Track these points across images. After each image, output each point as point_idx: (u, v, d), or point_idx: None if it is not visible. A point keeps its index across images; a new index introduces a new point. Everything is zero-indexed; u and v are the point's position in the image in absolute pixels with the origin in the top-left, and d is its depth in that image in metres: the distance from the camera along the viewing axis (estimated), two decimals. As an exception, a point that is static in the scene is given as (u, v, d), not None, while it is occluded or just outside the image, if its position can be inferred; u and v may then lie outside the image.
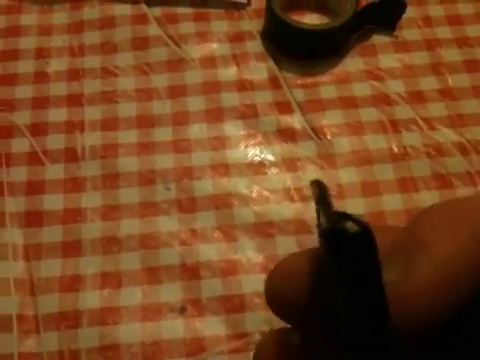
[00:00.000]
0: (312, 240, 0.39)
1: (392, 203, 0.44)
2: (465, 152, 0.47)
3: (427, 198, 0.45)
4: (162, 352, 0.39)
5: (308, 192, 0.44)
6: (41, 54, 0.52)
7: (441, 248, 0.16)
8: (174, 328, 0.40)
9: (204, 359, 0.39)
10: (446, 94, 0.50)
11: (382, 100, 0.49)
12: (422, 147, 0.47)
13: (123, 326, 0.40)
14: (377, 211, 0.44)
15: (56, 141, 0.47)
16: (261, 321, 0.40)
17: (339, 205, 0.44)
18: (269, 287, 0.20)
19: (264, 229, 0.43)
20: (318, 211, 0.18)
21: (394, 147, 0.47)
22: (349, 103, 0.49)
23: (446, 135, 0.48)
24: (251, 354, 0.36)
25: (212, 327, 0.40)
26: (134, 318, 0.40)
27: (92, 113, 0.48)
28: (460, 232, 0.17)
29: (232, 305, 0.41)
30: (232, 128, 0.48)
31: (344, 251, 0.16)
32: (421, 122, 0.48)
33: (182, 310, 0.41)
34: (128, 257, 0.42)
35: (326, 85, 0.50)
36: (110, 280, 0.42)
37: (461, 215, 0.17)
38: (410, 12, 0.53)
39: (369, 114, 0.49)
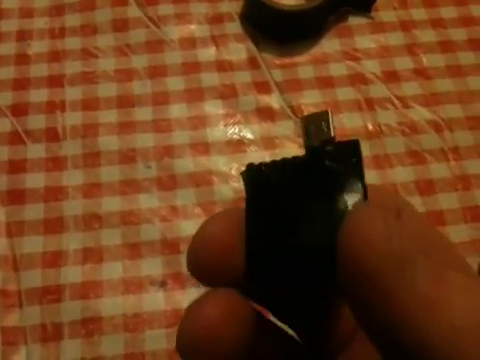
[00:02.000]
0: None
1: (367, 179, 0.44)
2: (439, 129, 0.48)
3: (401, 173, 0.46)
4: (143, 323, 0.40)
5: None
6: (22, 36, 0.52)
7: None
8: (155, 301, 0.41)
9: None
10: (420, 73, 0.50)
11: (358, 79, 0.50)
12: (397, 125, 0.48)
13: (105, 299, 0.41)
14: None
15: (37, 121, 0.47)
16: None
17: None
18: (193, 259, 0.19)
19: (243, 205, 0.43)
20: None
21: (369, 125, 0.48)
22: (326, 83, 0.50)
23: (420, 113, 0.49)
24: None
25: (192, 299, 0.41)
26: (116, 292, 0.41)
27: (73, 93, 0.49)
28: None
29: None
30: (211, 107, 0.49)
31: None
32: (396, 101, 0.49)
33: (163, 283, 0.42)
34: (109, 233, 0.43)
35: (304, 65, 0.51)
36: (92, 255, 0.42)
37: None
38: (386, -6, 0.53)
39: (345, 93, 0.49)
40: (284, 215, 0.19)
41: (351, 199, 0.18)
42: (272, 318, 0.21)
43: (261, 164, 0.20)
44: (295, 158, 0.20)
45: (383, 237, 0.15)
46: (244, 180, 0.20)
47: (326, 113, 0.20)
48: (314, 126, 0.20)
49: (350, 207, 0.18)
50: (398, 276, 0.15)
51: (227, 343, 0.18)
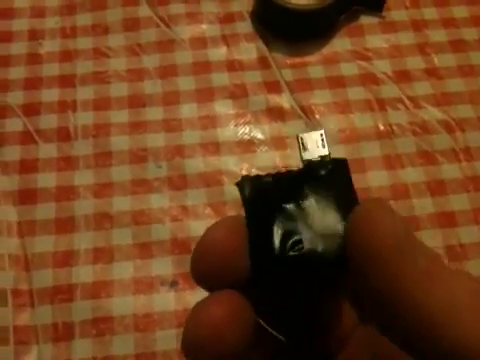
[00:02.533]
0: None
1: (378, 179, 0.45)
2: (450, 130, 0.48)
3: (412, 174, 0.46)
4: (154, 323, 0.40)
5: (296, 168, 0.45)
6: (34, 36, 0.52)
7: None
8: (166, 301, 0.41)
9: None
10: (432, 73, 0.50)
11: (369, 79, 0.50)
12: (408, 125, 0.48)
13: (116, 299, 0.41)
14: (363, 187, 0.45)
15: (49, 121, 0.47)
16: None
17: None
18: (196, 265, 0.20)
19: None
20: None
21: (380, 125, 0.48)
22: (337, 82, 0.50)
23: (431, 113, 0.48)
24: None
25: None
26: (126, 291, 0.41)
27: (84, 93, 0.49)
28: None
29: None
30: (222, 107, 0.49)
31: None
32: (407, 101, 0.49)
33: (173, 283, 0.42)
34: (120, 233, 0.43)
35: (314, 65, 0.51)
36: (103, 255, 0.43)
37: None
38: (397, -7, 0.53)
39: (356, 93, 0.49)
40: (284, 218, 0.21)
41: (348, 201, 0.21)
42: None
43: (257, 175, 0.22)
44: (289, 171, 0.22)
45: (389, 223, 0.18)
46: (240, 190, 0.22)
47: (321, 133, 0.23)
48: (310, 143, 0.23)
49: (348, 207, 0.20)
50: (403, 254, 0.18)
51: (229, 343, 0.19)
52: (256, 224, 0.21)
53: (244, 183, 0.22)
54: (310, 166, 0.22)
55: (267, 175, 0.22)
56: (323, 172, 0.22)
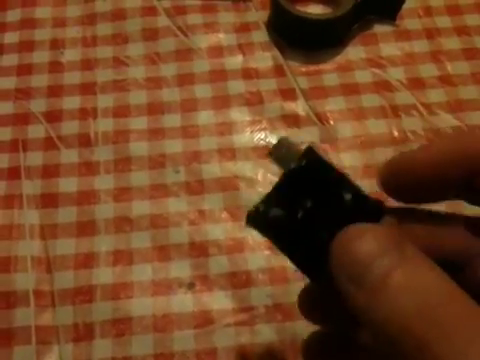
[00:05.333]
0: None
1: None
2: None
3: None
4: (172, 324, 0.41)
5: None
6: (56, 45, 0.53)
7: None
8: (183, 302, 0.42)
9: (212, 331, 0.41)
10: (445, 81, 0.51)
11: (383, 86, 0.50)
12: (422, 131, 0.48)
13: (135, 300, 0.42)
14: (378, 192, 0.45)
15: (70, 127, 0.49)
16: (265, 295, 0.42)
17: None
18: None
19: None
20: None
21: (395, 131, 0.48)
22: (351, 90, 0.50)
23: (445, 120, 0.49)
24: (256, 326, 0.39)
25: (219, 301, 0.42)
26: (145, 293, 0.42)
27: (104, 101, 0.50)
28: None
29: (238, 281, 0.42)
30: (238, 114, 0.49)
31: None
32: (421, 107, 0.49)
33: (191, 285, 0.42)
34: (139, 236, 0.44)
35: (329, 73, 0.51)
36: (122, 257, 0.43)
37: None
38: (411, 2, 0.54)
39: (370, 100, 0.50)
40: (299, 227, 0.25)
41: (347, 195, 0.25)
42: None
43: (256, 208, 0.25)
44: (277, 186, 0.25)
45: (362, 256, 0.22)
46: (252, 226, 0.25)
47: (285, 138, 0.26)
48: (283, 151, 0.25)
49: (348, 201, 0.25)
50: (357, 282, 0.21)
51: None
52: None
53: (252, 220, 0.25)
54: (294, 172, 0.25)
55: (266, 198, 0.25)
56: (303, 172, 0.25)
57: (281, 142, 0.26)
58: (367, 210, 0.25)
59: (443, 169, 0.24)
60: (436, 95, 0.50)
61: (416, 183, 0.25)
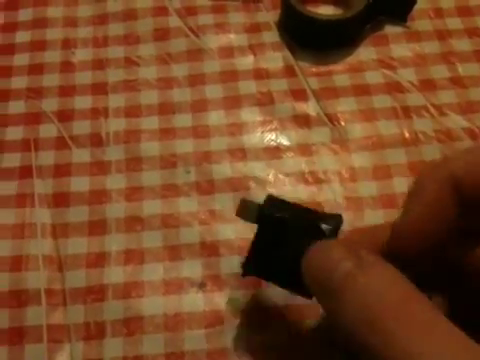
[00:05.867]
0: None
1: (403, 186, 0.45)
2: (474, 137, 0.48)
3: None
4: (183, 323, 0.41)
5: (322, 175, 0.46)
6: (67, 45, 0.53)
7: None
8: (194, 301, 0.42)
9: (222, 330, 0.41)
10: (456, 82, 0.50)
11: (394, 88, 0.50)
12: (433, 132, 0.48)
13: (146, 299, 0.42)
14: (388, 193, 0.45)
15: (82, 127, 0.48)
16: (277, 295, 0.41)
17: (352, 187, 0.45)
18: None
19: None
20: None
21: (406, 132, 0.48)
22: (362, 91, 0.50)
23: (456, 121, 0.48)
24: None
25: (231, 301, 0.42)
26: (156, 292, 0.42)
27: (116, 101, 0.49)
28: None
29: (249, 280, 0.42)
30: (249, 114, 0.49)
31: None
32: (432, 109, 0.49)
33: (202, 285, 0.42)
34: (150, 235, 0.44)
35: (340, 73, 0.51)
36: (133, 257, 0.43)
37: None
38: (422, 3, 0.54)
39: (382, 101, 0.49)
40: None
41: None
42: None
43: (244, 264, 0.35)
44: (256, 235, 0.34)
45: (328, 267, 0.25)
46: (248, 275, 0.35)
47: (244, 199, 0.36)
48: (246, 209, 0.34)
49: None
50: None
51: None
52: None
53: (247, 273, 0.35)
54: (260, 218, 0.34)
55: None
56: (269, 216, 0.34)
57: (242, 203, 0.35)
58: (329, 227, 0.31)
59: (433, 224, 0.26)
60: (447, 96, 0.49)
61: (423, 248, 0.27)
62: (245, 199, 0.34)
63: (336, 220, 0.31)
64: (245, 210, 0.34)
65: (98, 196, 0.46)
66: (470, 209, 0.26)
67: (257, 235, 0.33)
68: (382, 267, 0.24)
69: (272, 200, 0.34)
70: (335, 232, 0.31)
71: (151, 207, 0.45)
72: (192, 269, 0.43)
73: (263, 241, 0.33)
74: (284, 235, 0.32)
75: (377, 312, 0.21)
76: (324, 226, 0.31)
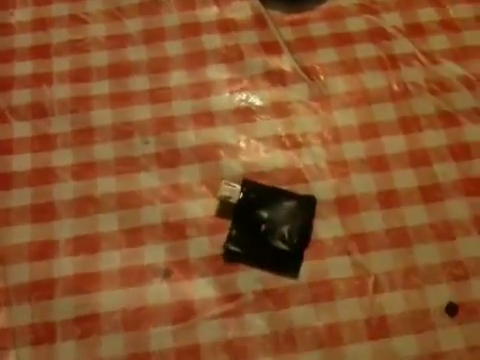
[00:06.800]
0: (306, 189, 0.40)
1: (394, 145, 0.42)
2: (471, 86, 0.45)
3: (433, 137, 0.42)
4: (147, 319, 0.37)
5: (301, 139, 0.43)
6: (4, 4, 0.49)
7: None
8: (159, 293, 0.38)
9: (194, 325, 0.37)
10: (447, 26, 0.47)
11: (378, 35, 0.47)
12: (424, 83, 0.45)
13: (102, 293, 0.38)
14: (378, 155, 0.42)
15: (22, 96, 0.45)
16: (254, 280, 0.38)
17: (336, 150, 0.42)
18: None
19: (256, 180, 0.41)
20: None
21: (394, 84, 0.45)
22: (342, 40, 0.47)
23: (450, 69, 0.45)
24: (245, 316, 0.37)
25: (201, 290, 0.38)
26: (114, 284, 0.38)
27: (60, 64, 0.46)
28: None
29: (222, 265, 0.39)
30: (215, 73, 0.46)
31: None
32: (422, 56, 0.46)
33: (167, 273, 0.39)
34: (105, 218, 0.40)
35: (316, 22, 0.48)
36: (86, 244, 0.40)
37: None
38: None
39: (365, 50, 0.46)
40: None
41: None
42: None
43: (226, 247, 0.38)
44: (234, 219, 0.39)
45: None
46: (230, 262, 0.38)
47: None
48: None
49: None
50: None
51: None
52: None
53: (229, 259, 0.38)
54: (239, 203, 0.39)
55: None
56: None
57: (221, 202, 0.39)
58: (305, 206, 0.39)
59: None
60: (438, 42, 0.47)
61: None
62: (222, 197, 0.39)
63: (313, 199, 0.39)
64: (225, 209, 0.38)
65: (43, 175, 0.42)
66: None
67: (236, 215, 0.38)
68: None
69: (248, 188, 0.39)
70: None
71: (105, 185, 0.42)
72: (155, 255, 0.39)
73: (243, 221, 0.37)
74: (270, 207, 0.38)
75: None
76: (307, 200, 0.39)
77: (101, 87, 0.45)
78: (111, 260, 0.39)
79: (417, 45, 0.46)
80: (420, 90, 0.45)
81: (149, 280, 0.38)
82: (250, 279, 0.38)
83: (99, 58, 0.46)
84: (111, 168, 0.42)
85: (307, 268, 0.38)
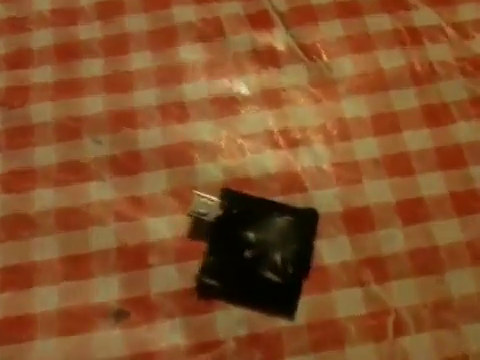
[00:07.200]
0: (306, 201, 0.36)
1: (417, 141, 0.38)
2: None
3: (466, 130, 0.38)
4: (92, 380, 0.31)
5: (299, 134, 0.39)
6: None
7: None
8: (110, 341, 0.32)
9: None
10: None
11: (395, 3, 0.43)
12: (454, 62, 0.41)
13: (36, 343, 0.32)
14: (397, 153, 0.37)
15: None
16: (236, 322, 0.33)
17: (343, 149, 0.38)
18: None
19: (239, 189, 0.36)
20: None
21: (417, 64, 0.41)
22: (350, 9, 0.43)
23: None
24: None
25: (166, 337, 0.32)
26: (50, 331, 0.32)
27: None
28: None
29: (194, 302, 0.33)
30: (188, 54, 0.42)
31: None
32: (450, 30, 0.42)
33: (121, 314, 0.33)
34: (42, 243, 0.35)
35: None
36: (16, 277, 0.34)
37: None
38: None
39: (379, 23, 0.42)
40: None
41: None
42: None
43: (199, 279, 0.32)
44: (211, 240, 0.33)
45: None
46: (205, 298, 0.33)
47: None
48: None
49: None
50: None
51: None
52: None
53: (203, 295, 0.32)
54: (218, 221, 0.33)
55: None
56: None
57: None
58: (304, 223, 0.33)
59: None
60: (469, 11, 0.42)
61: None
62: (195, 213, 0.33)
63: (314, 212, 0.33)
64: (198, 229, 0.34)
65: (-38, 188, 0.37)
66: None
67: (213, 237, 0.33)
68: None
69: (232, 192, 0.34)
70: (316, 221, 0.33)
71: (43, 199, 0.37)
72: (106, 291, 0.34)
73: (223, 244, 0.33)
74: (259, 224, 0.33)
75: None
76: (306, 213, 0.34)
77: (43, 74, 0.41)
78: (48, 298, 0.33)
79: (443, 16, 0.42)
80: (449, 71, 0.40)
81: (96, 325, 0.33)
82: (231, 321, 0.33)
83: (42, 38, 0.42)
84: (51, 177, 0.37)
85: (307, 305, 0.33)
